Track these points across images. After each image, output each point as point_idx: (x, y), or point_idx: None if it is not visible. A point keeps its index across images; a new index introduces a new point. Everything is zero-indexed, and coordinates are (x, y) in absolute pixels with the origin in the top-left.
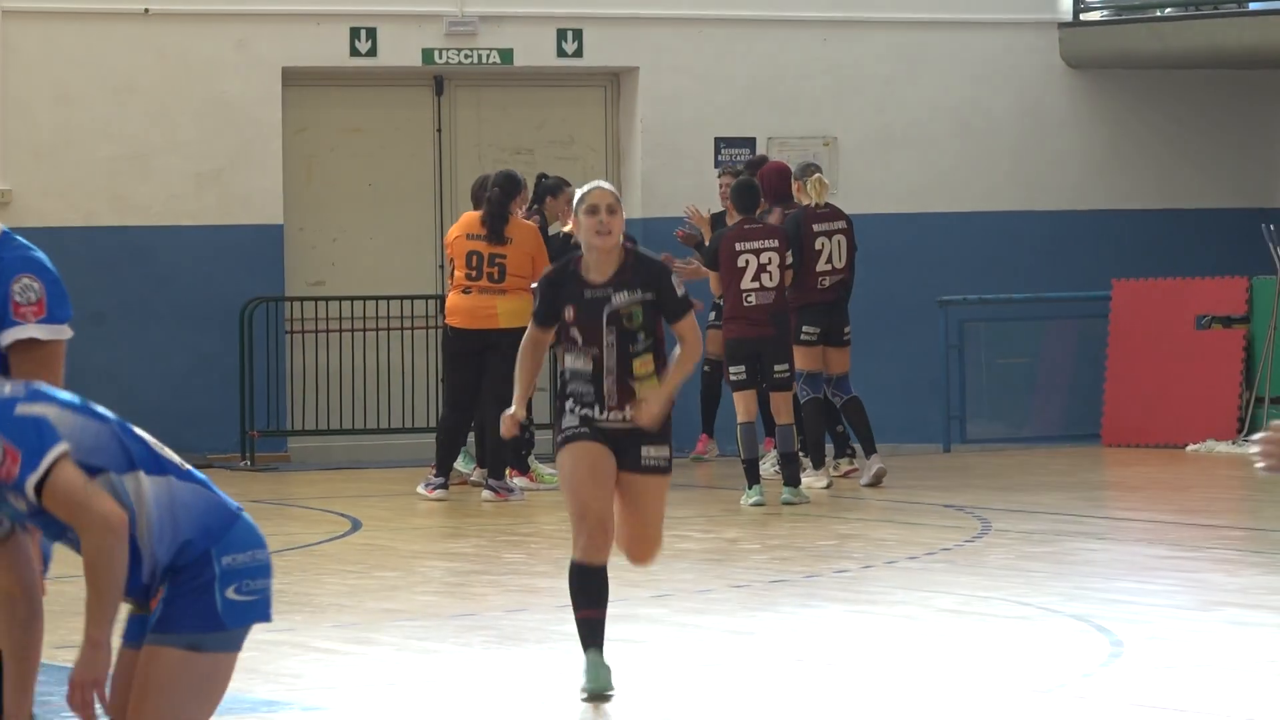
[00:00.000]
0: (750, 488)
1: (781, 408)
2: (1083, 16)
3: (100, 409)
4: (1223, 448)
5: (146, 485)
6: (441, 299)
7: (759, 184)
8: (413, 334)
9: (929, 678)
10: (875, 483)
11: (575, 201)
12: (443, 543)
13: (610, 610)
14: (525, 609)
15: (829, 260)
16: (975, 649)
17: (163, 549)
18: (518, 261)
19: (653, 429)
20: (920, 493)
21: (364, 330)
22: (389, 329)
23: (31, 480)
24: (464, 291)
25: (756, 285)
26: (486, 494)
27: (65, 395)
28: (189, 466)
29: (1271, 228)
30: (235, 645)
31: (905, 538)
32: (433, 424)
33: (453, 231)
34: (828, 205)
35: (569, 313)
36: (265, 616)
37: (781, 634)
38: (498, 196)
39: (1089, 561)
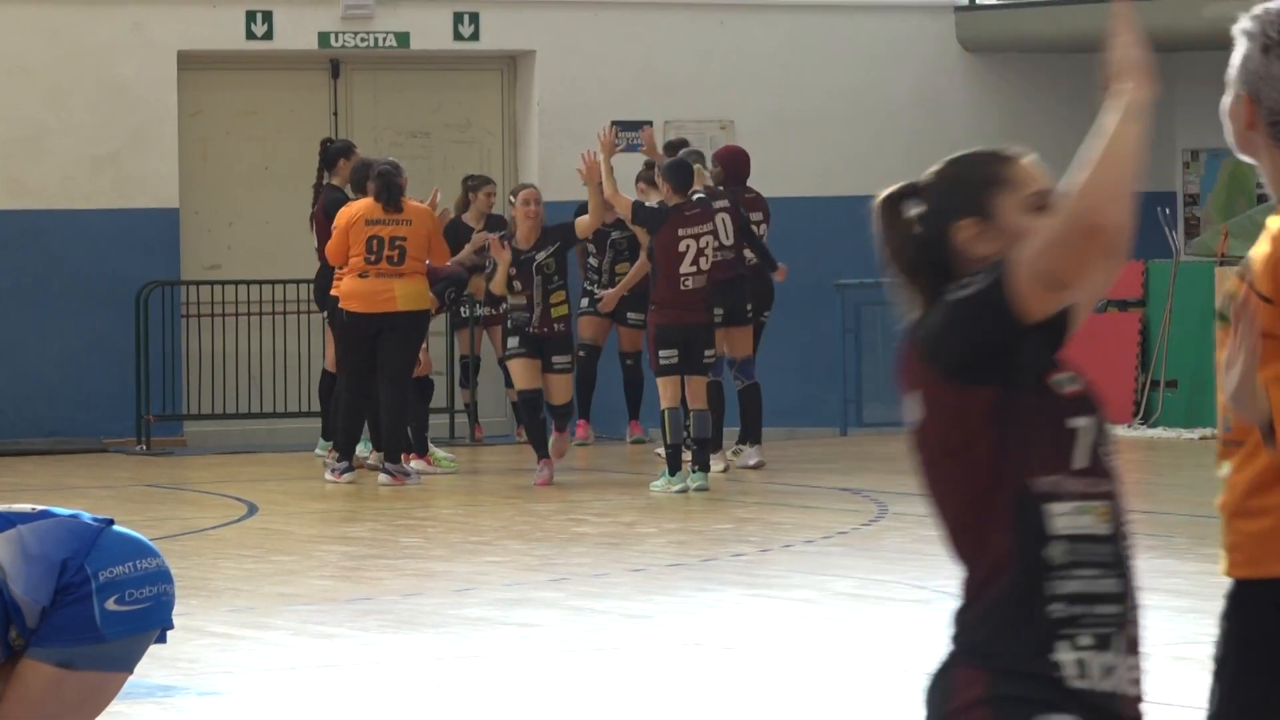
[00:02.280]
0: (672, 474)
1: (699, 393)
2: (979, 1)
3: None
4: (1119, 431)
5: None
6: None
7: (689, 162)
8: (309, 318)
9: (827, 661)
10: (755, 468)
11: None
12: (339, 527)
13: (506, 594)
14: (422, 593)
15: (715, 238)
16: (873, 632)
17: (40, 591)
18: (417, 243)
19: None
20: (817, 476)
21: (260, 314)
22: (285, 313)
23: None
24: (361, 275)
25: (694, 269)
26: (383, 478)
27: None
28: (42, 508)
29: (1167, 212)
30: (119, 664)
31: (802, 521)
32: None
33: (344, 217)
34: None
35: None
36: (160, 622)
37: (679, 618)
38: (387, 171)
39: None
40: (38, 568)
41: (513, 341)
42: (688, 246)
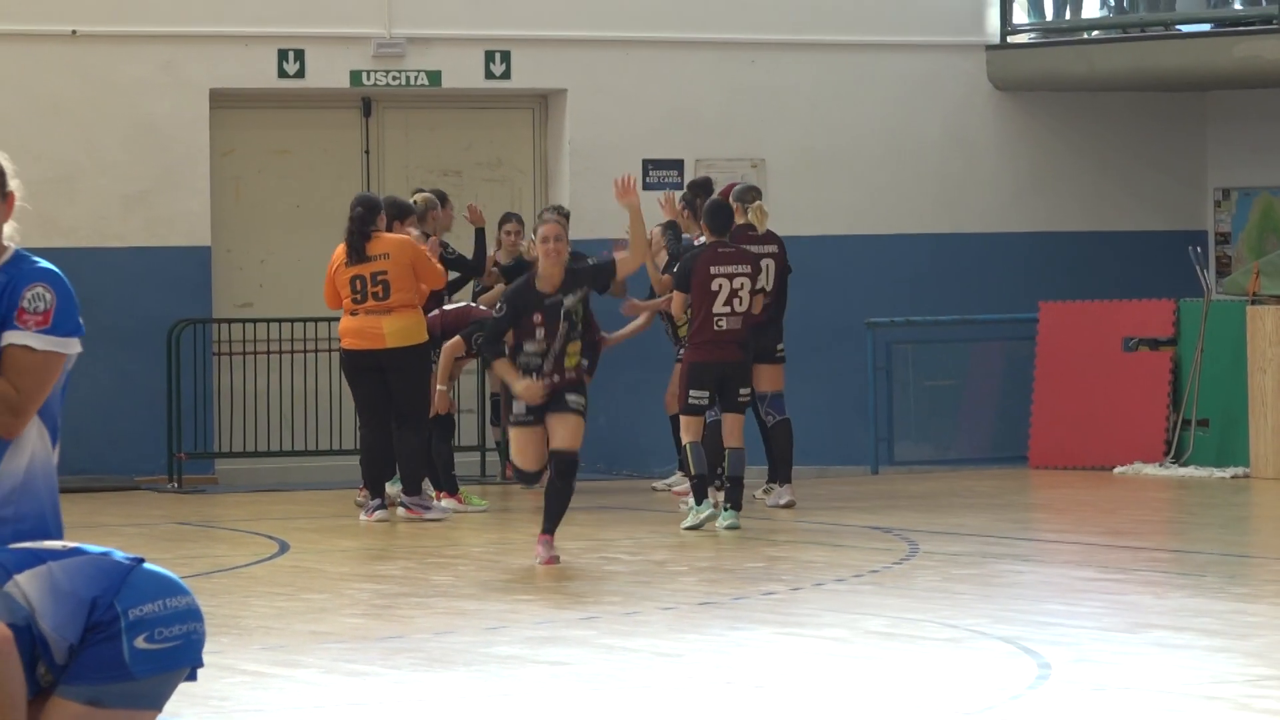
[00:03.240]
0: (699, 504)
1: (735, 431)
2: (1010, 39)
3: None
4: (1150, 470)
5: (26, 582)
6: None
7: (730, 204)
8: (340, 356)
9: (857, 700)
10: (786, 506)
11: None
12: (370, 565)
13: (537, 633)
14: (453, 631)
15: (751, 280)
16: (903, 671)
17: (69, 628)
18: (400, 276)
19: None
20: (848, 515)
21: (291, 352)
22: (316, 351)
23: None
24: (352, 314)
25: (728, 310)
26: (401, 510)
27: None
28: (74, 545)
29: (1198, 250)
30: (148, 702)
31: (833, 560)
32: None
33: (331, 265)
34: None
35: None
36: (189, 660)
37: (710, 656)
38: (359, 215)
39: (1016, 583)
40: (67, 605)
41: (519, 407)
42: (720, 286)
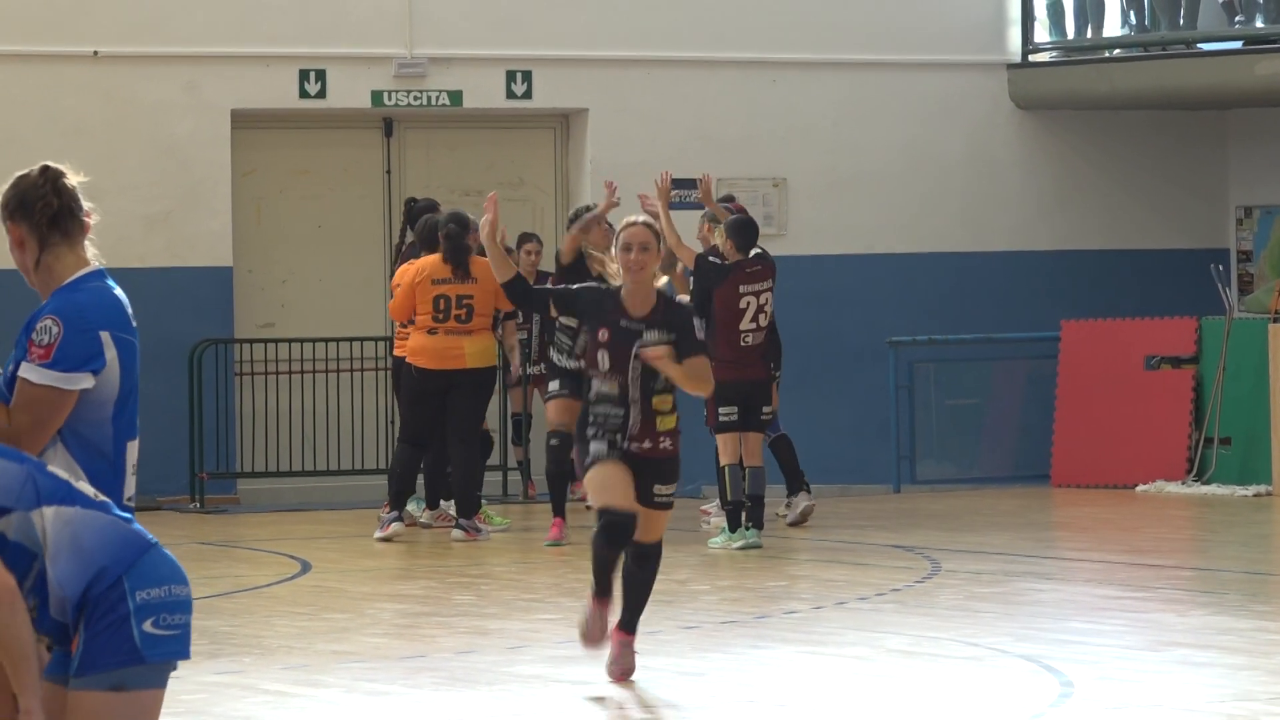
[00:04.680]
0: (732, 531)
1: (756, 450)
2: (1031, 58)
3: (17, 452)
4: (1172, 488)
5: (50, 517)
6: (389, 340)
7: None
8: (362, 375)
9: (880, 718)
10: (801, 521)
11: None
12: (392, 584)
13: (560, 652)
14: (475, 650)
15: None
16: (925, 690)
17: (71, 583)
18: (484, 301)
19: None
20: (870, 533)
21: (313, 372)
22: (338, 371)
23: None
24: (430, 332)
25: (754, 326)
26: (456, 533)
27: None
28: (105, 499)
29: (1220, 268)
30: (159, 681)
31: (855, 578)
32: (383, 465)
33: (410, 274)
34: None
35: None
36: (183, 653)
37: (732, 675)
38: (455, 233)
39: (1038, 602)
40: (78, 560)
41: (597, 448)
42: (748, 304)
